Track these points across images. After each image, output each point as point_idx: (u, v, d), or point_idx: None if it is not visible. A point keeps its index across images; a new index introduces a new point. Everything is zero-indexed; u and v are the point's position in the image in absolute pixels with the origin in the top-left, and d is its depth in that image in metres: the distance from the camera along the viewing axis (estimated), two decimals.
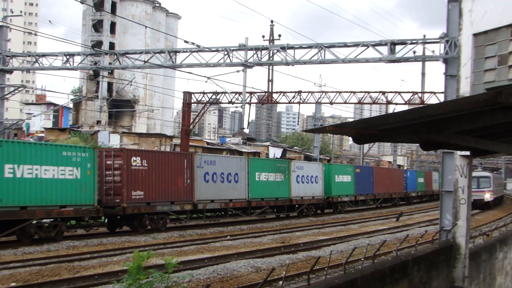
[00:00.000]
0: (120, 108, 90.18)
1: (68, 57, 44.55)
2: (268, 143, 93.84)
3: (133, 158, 31.58)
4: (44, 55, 45.12)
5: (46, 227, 27.72)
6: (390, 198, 64.74)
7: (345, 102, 49.56)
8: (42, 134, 66.98)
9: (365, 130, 8.94)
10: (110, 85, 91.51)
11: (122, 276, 12.02)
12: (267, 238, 31.77)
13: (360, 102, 51.10)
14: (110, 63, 49.88)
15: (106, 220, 33.26)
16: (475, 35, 18.60)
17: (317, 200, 48.67)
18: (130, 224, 32.65)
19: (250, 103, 51.89)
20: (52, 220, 27.90)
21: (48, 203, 27.05)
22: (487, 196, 57.62)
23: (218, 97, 52.41)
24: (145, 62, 44.27)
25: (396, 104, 48.26)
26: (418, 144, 12.08)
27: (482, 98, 7.12)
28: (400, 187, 67.87)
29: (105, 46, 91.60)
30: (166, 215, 34.04)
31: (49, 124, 78.44)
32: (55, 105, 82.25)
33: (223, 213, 39.24)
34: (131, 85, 79.33)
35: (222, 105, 70.44)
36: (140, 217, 32.18)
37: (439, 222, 23.30)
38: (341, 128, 8.89)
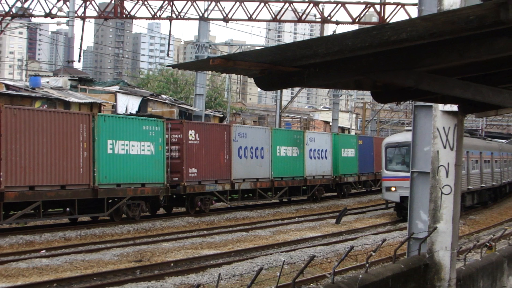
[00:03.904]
0: None
1: None
2: (116, 88, 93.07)
3: (190, 131, 44.20)
4: None
5: (133, 206, 39.25)
6: None
7: (250, 19, 49.54)
8: None
9: (275, 66, 8.78)
10: None
11: None
12: (111, 253, 31.77)
13: (276, 19, 51.21)
14: None
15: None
16: None
17: (327, 180, 64.13)
18: (166, 208, 45.80)
19: (84, 17, 51.52)
20: (129, 199, 38.96)
21: (134, 181, 38.63)
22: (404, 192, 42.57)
23: (26, 5, 51.73)
24: None
25: (338, 23, 48.93)
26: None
27: (474, 14, 7.19)
28: None
29: None
30: (212, 196, 47.67)
31: None
32: None
33: (251, 194, 54.66)
34: None
35: (35, 20, 69.44)
36: (191, 197, 45.26)
37: (407, 225, 23.74)
38: (235, 61, 8.71)
